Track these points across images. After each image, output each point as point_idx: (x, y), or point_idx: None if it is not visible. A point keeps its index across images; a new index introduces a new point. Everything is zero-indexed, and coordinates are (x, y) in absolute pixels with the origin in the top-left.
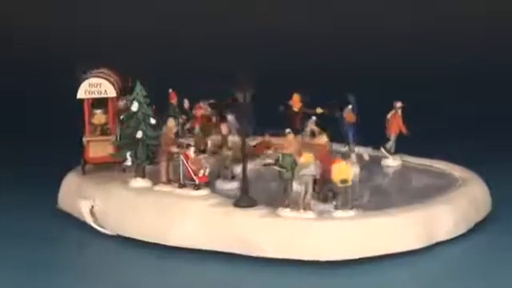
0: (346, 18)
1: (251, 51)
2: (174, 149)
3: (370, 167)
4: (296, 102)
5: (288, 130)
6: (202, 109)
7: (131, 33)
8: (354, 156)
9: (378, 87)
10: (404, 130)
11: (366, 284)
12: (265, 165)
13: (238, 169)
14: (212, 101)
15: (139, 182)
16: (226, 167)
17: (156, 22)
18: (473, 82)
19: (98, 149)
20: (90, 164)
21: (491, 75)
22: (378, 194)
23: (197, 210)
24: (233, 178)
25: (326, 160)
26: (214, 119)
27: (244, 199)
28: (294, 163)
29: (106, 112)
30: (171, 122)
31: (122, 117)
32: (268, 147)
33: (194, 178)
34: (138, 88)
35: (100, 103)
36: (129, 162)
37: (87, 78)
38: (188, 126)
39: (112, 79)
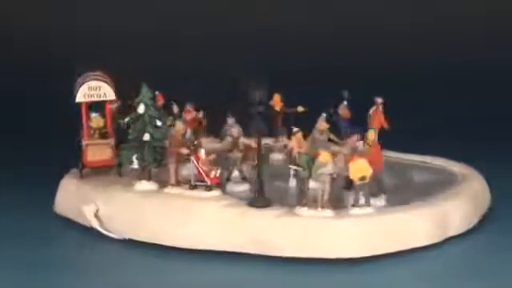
0: (346, 17)
1: (251, 51)
2: (185, 150)
3: None
4: (277, 101)
5: (296, 129)
6: (191, 112)
7: (131, 33)
8: None
9: (377, 87)
10: (385, 125)
11: (366, 282)
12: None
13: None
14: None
15: (145, 185)
16: (240, 170)
17: (156, 22)
18: (473, 82)
19: (96, 152)
20: (88, 168)
21: (491, 74)
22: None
23: (211, 211)
24: (244, 179)
25: (376, 156)
26: (203, 122)
27: (259, 199)
28: (311, 162)
29: (103, 115)
30: (179, 124)
31: (127, 119)
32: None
33: (206, 179)
34: (144, 90)
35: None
36: (136, 165)
37: (84, 81)
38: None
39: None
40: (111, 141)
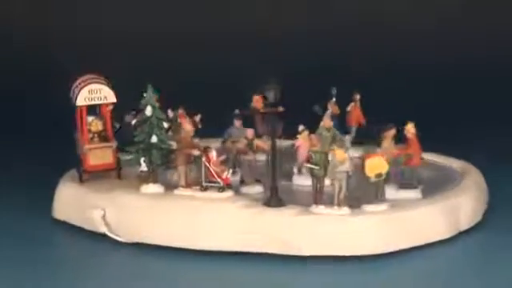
0: (347, 17)
1: (251, 51)
2: (196, 152)
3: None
4: (258, 102)
5: (302, 127)
6: (185, 116)
7: (131, 33)
8: None
9: (377, 87)
10: (363, 121)
11: (367, 281)
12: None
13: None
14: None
15: (152, 188)
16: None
17: (156, 22)
18: (473, 81)
19: (97, 156)
20: (89, 172)
21: (492, 73)
22: None
23: (226, 212)
24: (257, 181)
25: (416, 148)
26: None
27: (274, 199)
28: (326, 160)
29: (101, 118)
30: (189, 126)
31: (133, 122)
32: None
33: (219, 180)
34: (150, 92)
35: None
36: (144, 168)
37: (84, 85)
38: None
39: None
40: (113, 144)
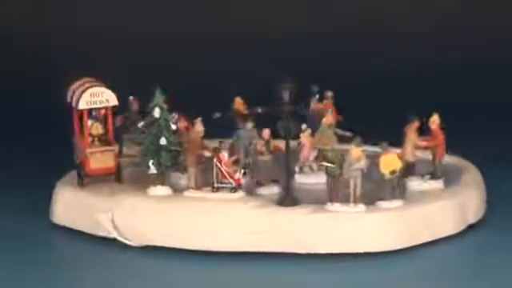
0: (347, 17)
1: (251, 51)
2: (207, 153)
3: None
4: (240, 104)
5: (304, 126)
6: (183, 120)
7: (131, 33)
8: None
9: (377, 87)
10: (339, 119)
11: (369, 280)
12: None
13: None
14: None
15: (160, 190)
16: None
17: (156, 22)
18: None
19: (98, 160)
20: (91, 176)
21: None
22: None
23: (240, 212)
24: (273, 181)
25: (440, 139)
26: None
27: (288, 198)
28: (342, 158)
29: (102, 121)
30: (199, 126)
31: (141, 124)
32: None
33: (231, 180)
34: (158, 93)
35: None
36: (153, 170)
37: (86, 88)
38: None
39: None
40: (115, 148)
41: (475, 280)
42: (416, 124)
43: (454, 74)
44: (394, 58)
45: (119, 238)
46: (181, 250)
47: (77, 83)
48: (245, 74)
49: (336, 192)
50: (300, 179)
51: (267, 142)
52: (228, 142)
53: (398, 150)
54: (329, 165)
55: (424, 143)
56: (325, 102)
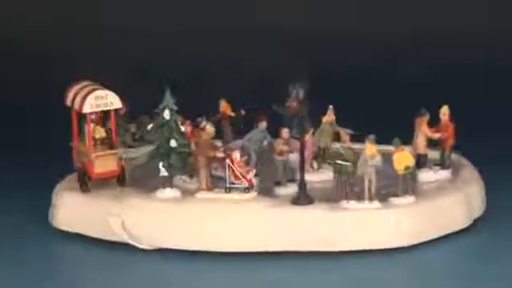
0: (346, 17)
1: (251, 51)
2: (220, 154)
3: None
4: (225, 107)
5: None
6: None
7: (132, 34)
8: None
9: (379, 86)
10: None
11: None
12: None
13: None
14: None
15: (169, 193)
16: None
17: (156, 21)
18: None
19: (102, 164)
20: (95, 180)
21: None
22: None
23: (255, 212)
24: (290, 181)
25: (450, 130)
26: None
27: (302, 197)
28: (356, 156)
29: (104, 125)
30: (210, 128)
31: (150, 126)
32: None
33: (244, 180)
34: (168, 95)
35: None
36: (164, 173)
37: (89, 91)
38: None
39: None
40: (119, 151)
41: (475, 279)
42: (426, 117)
43: (454, 74)
44: (393, 57)
45: (130, 242)
46: (195, 251)
47: (76, 86)
48: (245, 74)
49: (352, 189)
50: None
51: (286, 142)
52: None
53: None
54: (344, 163)
55: (437, 134)
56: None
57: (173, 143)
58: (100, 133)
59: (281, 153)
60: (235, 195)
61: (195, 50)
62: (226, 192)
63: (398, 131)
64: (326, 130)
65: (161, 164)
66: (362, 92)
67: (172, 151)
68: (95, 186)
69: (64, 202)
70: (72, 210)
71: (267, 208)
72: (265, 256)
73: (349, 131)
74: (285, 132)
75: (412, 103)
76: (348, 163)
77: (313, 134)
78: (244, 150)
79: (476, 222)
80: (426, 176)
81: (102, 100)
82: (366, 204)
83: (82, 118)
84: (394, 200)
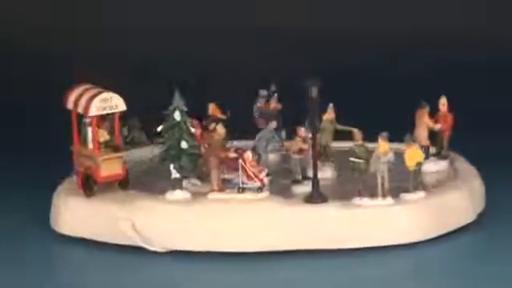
0: (346, 17)
1: (251, 50)
2: (232, 154)
3: None
4: (215, 110)
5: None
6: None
7: (132, 34)
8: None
9: (379, 85)
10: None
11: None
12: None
13: None
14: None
15: (179, 194)
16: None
17: (156, 20)
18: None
19: (108, 168)
20: (100, 184)
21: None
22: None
23: (269, 211)
24: (304, 178)
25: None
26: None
27: (315, 195)
28: (368, 153)
29: (107, 128)
30: (221, 129)
31: (160, 128)
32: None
33: (256, 180)
34: (178, 97)
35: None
36: (176, 175)
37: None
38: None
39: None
40: (123, 154)
41: (474, 279)
42: (426, 109)
43: (453, 74)
44: (392, 56)
45: (142, 245)
46: (209, 253)
47: (78, 89)
48: (245, 74)
49: (365, 187)
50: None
51: (304, 140)
52: None
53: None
54: (357, 160)
55: (438, 125)
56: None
57: (183, 145)
58: (104, 136)
59: (300, 151)
60: (248, 195)
61: (195, 50)
62: (238, 192)
63: (398, 130)
64: (327, 127)
65: (172, 166)
66: (361, 91)
67: (183, 153)
68: (97, 191)
69: (69, 207)
70: (79, 216)
71: (282, 207)
72: (278, 255)
73: (349, 128)
74: (302, 130)
75: (412, 102)
76: (361, 160)
77: None
78: (254, 150)
79: (475, 220)
80: (428, 167)
81: (107, 103)
82: (379, 201)
83: (82, 121)
84: (405, 196)
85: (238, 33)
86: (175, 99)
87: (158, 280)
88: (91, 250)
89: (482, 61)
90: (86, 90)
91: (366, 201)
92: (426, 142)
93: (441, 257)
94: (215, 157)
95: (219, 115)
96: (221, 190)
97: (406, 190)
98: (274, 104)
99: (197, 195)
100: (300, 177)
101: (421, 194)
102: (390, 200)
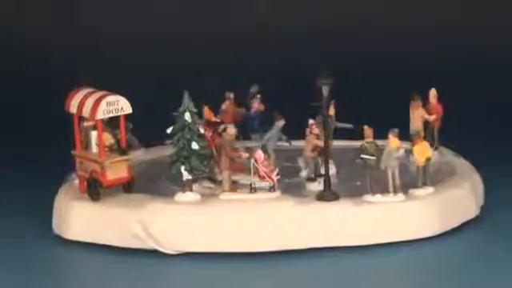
0: (346, 16)
1: (251, 50)
2: (244, 154)
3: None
4: (208, 113)
5: (311, 122)
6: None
7: (131, 33)
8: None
9: (378, 85)
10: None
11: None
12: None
13: None
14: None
15: (190, 196)
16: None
17: (155, 23)
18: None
19: (114, 171)
20: (107, 188)
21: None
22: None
23: (283, 210)
24: (319, 176)
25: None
26: None
27: (328, 193)
28: (379, 150)
29: (111, 131)
30: (231, 129)
31: (170, 130)
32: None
33: (269, 179)
34: (187, 98)
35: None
36: (188, 176)
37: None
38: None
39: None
40: (129, 157)
41: (474, 278)
42: (419, 102)
43: (454, 74)
44: (392, 56)
45: (156, 247)
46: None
47: (80, 93)
48: (245, 74)
49: (376, 183)
50: (304, 173)
51: (318, 137)
52: None
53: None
54: (369, 157)
55: (433, 116)
56: (226, 102)
57: (194, 145)
58: (108, 139)
59: (315, 148)
60: (261, 195)
61: (195, 50)
62: (251, 192)
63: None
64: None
65: (183, 168)
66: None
67: (193, 153)
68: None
69: (78, 213)
70: (89, 222)
71: (295, 206)
72: (291, 253)
73: (349, 126)
74: (315, 127)
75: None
76: (372, 157)
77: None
78: (264, 150)
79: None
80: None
81: (113, 106)
82: (390, 197)
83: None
84: (415, 192)
85: (239, 33)
86: (185, 101)
87: (153, 279)
88: (91, 249)
89: (484, 61)
90: (90, 93)
91: (378, 197)
92: (421, 133)
93: (441, 257)
94: (228, 157)
95: (213, 118)
96: (232, 190)
97: (407, 186)
98: (256, 105)
99: (209, 196)
100: (313, 175)
101: (430, 190)
102: (401, 196)
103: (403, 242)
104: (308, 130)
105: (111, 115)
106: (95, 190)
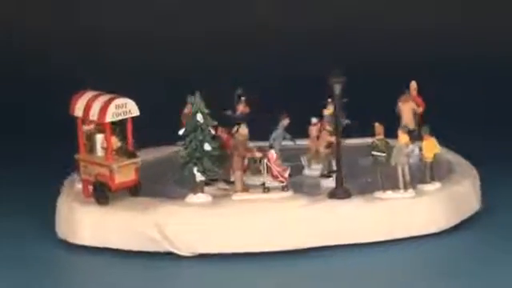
0: (346, 16)
1: (251, 50)
2: (258, 153)
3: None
4: None
5: (314, 120)
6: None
7: (132, 34)
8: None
9: (378, 85)
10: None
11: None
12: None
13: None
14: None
15: (202, 198)
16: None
17: (155, 23)
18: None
19: (122, 174)
20: (115, 191)
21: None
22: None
23: (295, 210)
24: (331, 172)
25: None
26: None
27: (340, 191)
28: (389, 147)
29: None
30: (244, 129)
31: (182, 131)
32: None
33: (282, 179)
34: (199, 99)
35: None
36: (201, 177)
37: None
38: None
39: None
40: (138, 160)
41: (474, 278)
42: (409, 95)
43: (453, 74)
44: (392, 56)
45: (171, 250)
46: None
47: (85, 96)
48: (245, 75)
49: (387, 180)
50: (307, 172)
51: (332, 133)
52: None
53: None
54: (379, 154)
55: (421, 109)
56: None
57: (207, 146)
58: (115, 143)
59: (329, 145)
60: (274, 194)
61: (195, 50)
62: (264, 192)
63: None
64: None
65: (195, 169)
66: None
67: (206, 155)
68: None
69: (80, 218)
70: (91, 226)
71: (309, 204)
72: (303, 252)
73: (347, 122)
74: (327, 124)
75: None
76: (383, 154)
77: None
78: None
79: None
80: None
81: (121, 108)
82: (401, 193)
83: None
84: (423, 187)
85: (239, 33)
86: (196, 101)
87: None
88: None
89: (484, 61)
90: (95, 96)
91: (389, 194)
92: (412, 125)
93: (440, 256)
94: (241, 157)
95: None
96: (245, 190)
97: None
98: (241, 107)
99: (221, 197)
100: (326, 172)
101: (437, 185)
102: (412, 192)
103: (402, 241)
104: (319, 128)
105: (120, 118)
106: (103, 193)
